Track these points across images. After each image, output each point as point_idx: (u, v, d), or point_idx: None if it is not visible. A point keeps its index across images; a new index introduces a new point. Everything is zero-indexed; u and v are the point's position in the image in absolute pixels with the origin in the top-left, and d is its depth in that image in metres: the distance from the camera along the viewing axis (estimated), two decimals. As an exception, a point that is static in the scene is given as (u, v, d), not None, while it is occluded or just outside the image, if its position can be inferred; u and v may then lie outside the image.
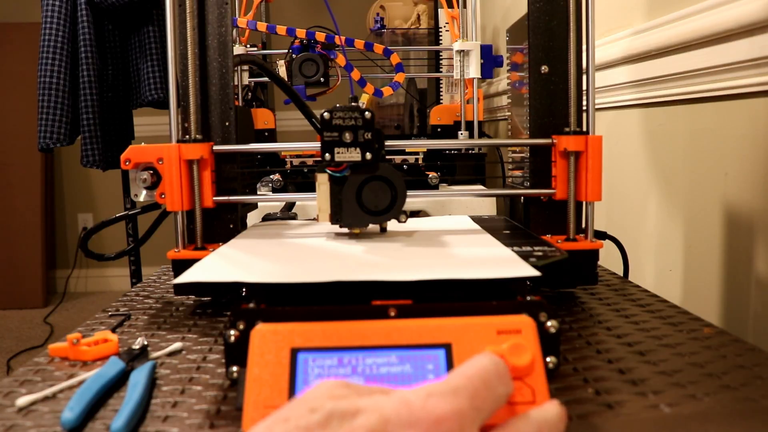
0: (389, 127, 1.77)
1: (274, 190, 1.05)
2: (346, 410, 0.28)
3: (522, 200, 0.70)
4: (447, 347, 0.37)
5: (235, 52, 0.95)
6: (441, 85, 1.62)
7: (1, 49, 3.01)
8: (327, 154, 0.58)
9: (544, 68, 0.66)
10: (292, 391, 0.36)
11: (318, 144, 0.59)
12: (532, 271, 0.45)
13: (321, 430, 0.27)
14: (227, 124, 0.67)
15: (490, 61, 1.34)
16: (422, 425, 0.27)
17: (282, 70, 1.08)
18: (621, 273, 0.74)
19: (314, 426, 0.27)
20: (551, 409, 0.32)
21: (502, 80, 1.82)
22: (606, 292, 0.65)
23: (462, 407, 0.28)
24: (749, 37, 0.68)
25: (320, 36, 1.08)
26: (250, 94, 1.53)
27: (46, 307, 2.98)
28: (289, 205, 0.87)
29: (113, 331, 0.56)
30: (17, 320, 2.79)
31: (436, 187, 1.09)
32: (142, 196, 0.65)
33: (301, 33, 1.08)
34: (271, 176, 1.06)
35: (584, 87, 0.64)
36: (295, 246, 0.59)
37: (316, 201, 0.60)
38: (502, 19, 1.95)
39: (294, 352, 0.37)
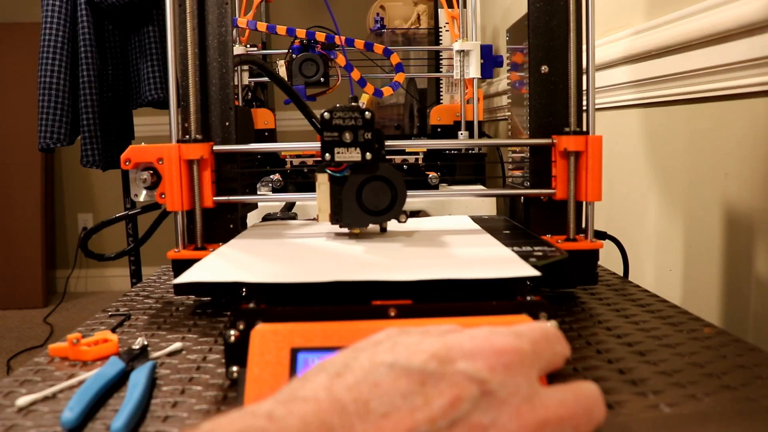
0: (389, 127, 1.77)
1: (274, 190, 1.05)
2: (411, 341, 0.29)
3: (522, 200, 0.70)
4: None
5: (235, 52, 0.95)
6: (441, 85, 1.62)
7: (1, 49, 3.01)
8: (327, 154, 0.58)
9: (544, 68, 0.66)
10: (292, 391, 0.36)
11: (318, 144, 0.59)
12: (532, 271, 0.45)
13: (387, 353, 0.28)
14: (227, 124, 0.67)
15: (490, 61, 1.34)
16: (484, 354, 0.28)
17: (282, 70, 1.08)
18: (621, 273, 0.74)
19: (381, 351, 0.28)
20: (591, 386, 0.31)
21: (502, 80, 1.82)
22: (606, 292, 0.65)
23: (523, 346, 0.29)
24: (749, 37, 0.68)
25: (320, 36, 1.08)
26: (250, 94, 1.53)
27: (46, 307, 2.98)
28: (289, 205, 0.87)
29: (113, 331, 0.56)
30: (17, 320, 2.79)
31: (436, 187, 1.09)
32: (142, 196, 0.65)
33: (301, 33, 1.08)
34: (271, 176, 1.06)
35: (584, 87, 0.64)
36: (295, 246, 0.59)
37: (316, 201, 0.60)
38: (502, 19, 1.95)
39: (294, 352, 0.37)
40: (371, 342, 0.30)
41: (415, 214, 1.12)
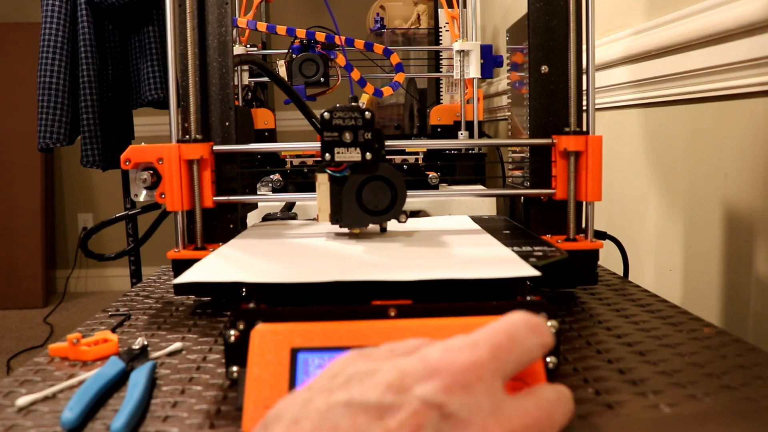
0: (389, 127, 1.77)
1: (274, 190, 1.05)
2: (365, 371, 0.28)
3: (522, 200, 0.70)
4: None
5: (235, 52, 0.95)
6: (441, 85, 1.62)
7: (1, 49, 3.01)
8: (327, 154, 0.58)
9: (544, 68, 0.66)
10: (292, 391, 0.36)
11: (318, 144, 0.59)
12: (532, 271, 0.45)
13: (342, 390, 0.28)
14: (227, 124, 0.67)
15: (490, 61, 1.34)
16: (440, 375, 0.27)
17: (282, 70, 1.08)
18: (621, 273, 0.74)
19: (335, 387, 0.28)
20: (566, 389, 0.31)
21: (502, 80, 1.82)
22: (606, 292, 0.65)
23: (481, 357, 0.28)
24: (749, 37, 0.68)
25: (320, 36, 1.08)
26: (250, 94, 1.53)
27: (46, 307, 2.97)
28: (289, 205, 0.87)
29: (113, 331, 0.56)
30: (17, 320, 2.79)
31: (436, 187, 1.09)
32: (142, 196, 0.65)
33: (301, 33, 1.08)
34: (271, 176, 1.06)
35: (584, 87, 0.64)
36: (295, 246, 0.59)
37: (316, 201, 0.60)
38: (502, 19, 1.95)
39: (294, 352, 0.37)
40: (327, 376, 0.29)
41: (415, 214, 1.12)
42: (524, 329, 0.30)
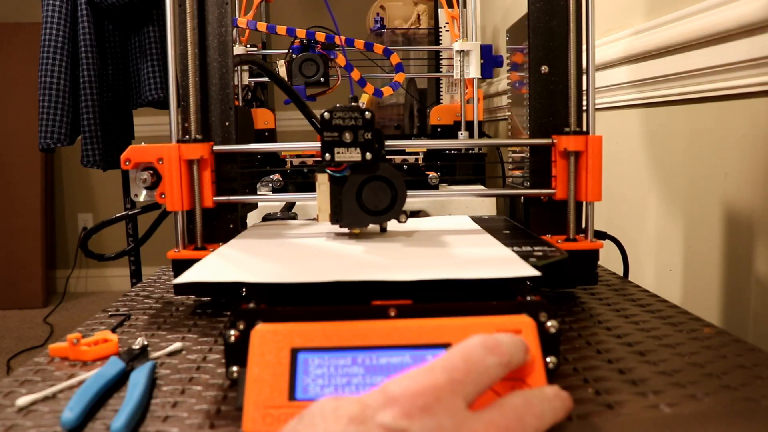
0: (389, 127, 1.77)
1: (274, 190, 1.05)
2: (330, 408, 0.29)
3: (522, 200, 0.70)
4: (447, 347, 0.37)
5: (235, 52, 0.95)
6: (441, 85, 1.62)
7: (1, 49, 3.01)
8: (327, 154, 0.58)
9: (544, 68, 0.66)
10: (292, 391, 0.36)
11: (318, 144, 0.59)
12: (532, 271, 0.45)
13: (307, 429, 0.28)
14: (227, 124, 0.67)
15: (490, 61, 1.34)
16: (399, 402, 0.28)
17: (282, 70, 1.08)
18: (621, 273, 0.74)
19: (302, 428, 0.29)
20: (547, 389, 0.32)
21: (502, 80, 1.82)
22: (606, 292, 0.65)
23: (437, 381, 0.29)
24: (749, 37, 0.68)
25: (320, 36, 1.08)
26: (250, 94, 1.53)
27: (46, 307, 2.98)
28: (289, 205, 0.87)
29: (113, 331, 0.56)
30: (17, 320, 2.79)
31: (436, 187, 1.09)
32: (142, 196, 0.65)
33: (301, 33, 1.08)
34: (271, 176, 1.06)
35: (584, 87, 0.64)
36: (295, 246, 0.59)
37: (316, 201, 0.60)
38: (502, 19, 1.95)
39: (294, 352, 0.37)
40: (295, 420, 0.30)
41: (415, 214, 1.12)
42: (481, 351, 0.31)
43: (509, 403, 0.31)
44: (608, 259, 0.77)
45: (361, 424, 0.27)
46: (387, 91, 1.16)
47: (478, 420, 0.29)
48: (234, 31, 1.33)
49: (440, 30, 1.63)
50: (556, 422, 0.33)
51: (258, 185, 1.08)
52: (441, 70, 1.64)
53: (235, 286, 0.45)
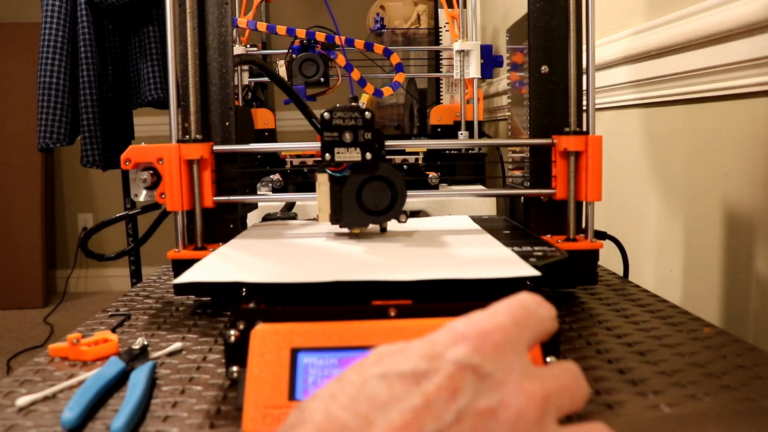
0: (389, 127, 1.77)
1: (274, 190, 1.05)
2: (397, 348, 0.29)
3: (522, 200, 0.70)
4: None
5: (235, 52, 0.95)
6: (441, 85, 1.62)
7: (1, 49, 3.01)
8: (327, 154, 0.58)
9: (544, 68, 0.66)
10: (292, 391, 0.36)
11: (318, 144, 0.59)
12: (532, 271, 0.45)
13: (375, 366, 0.28)
14: (227, 124, 0.67)
15: (490, 61, 1.34)
16: (470, 339, 0.28)
17: (282, 70, 1.08)
18: (621, 273, 0.74)
19: (369, 365, 0.28)
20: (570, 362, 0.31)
21: (502, 80, 1.82)
22: (606, 292, 0.65)
23: (504, 323, 0.29)
24: (749, 37, 0.68)
25: (320, 36, 1.08)
26: (250, 94, 1.53)
27: (46, 307, 2.97)
28: (289, 205, 0.87)
29: (113, 331, 0.56)
30: (17, 320, 2.79)
31: (436, 187, 1.09)
32: (142, 196, 0.65)
33: (301, 33, 1.08)
34: (271, 176, 1.06)
35: (584, 87, 0.64)
36: (295, 246, 0.59)
37: (316, 201, 0.60)
38: (502, 19, 1.95)
39: (294, 352, 0.37)
40: (360, 360, 0.30)
41: (415, 214, 1.12)
42: (533, 302, 0.31)
43: (567, 364, 0.30)
44: (608, 259, 0.77)
45: (432, 359, 0.27)
46: (387, 91, 1.16)
47: (544, 370, 0.29)
48: (234, 31, 1.33)
49: (440, 30, 1.63)
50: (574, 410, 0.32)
51: (258, 185, 1.08)
52: (441, 70, 1.64)
53: (235, 286, 0.45)
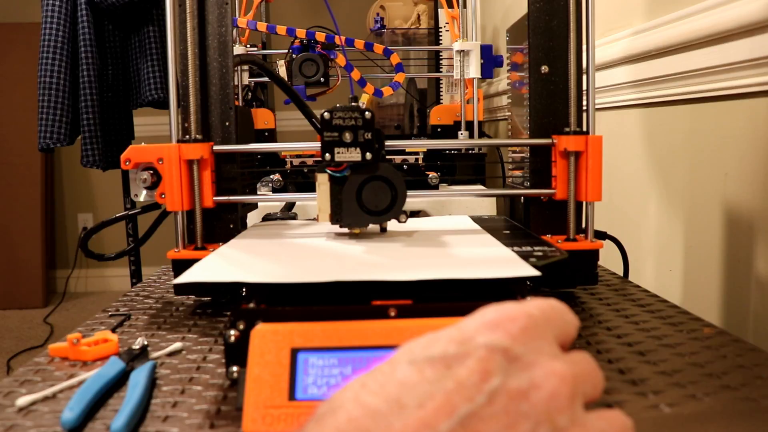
0: (389, 127, 1.77)
1: (274, 190, 1.04)
2: (424, 338, 0.29)
3: (522, 200, 0.70)
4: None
5: (235, 52, 0.95)
6: (441, 85, 1.62)
7: (1, 49, 3.01)
8: (327, 154, 0.58)
9: (544, 68, 0.66)
10: (292, 391, 0.36)
11: (318, 144, 0.59)
12: (532, 271, 0.45)
13: (404, 354, 0.28)
14: (227, 124, 0.67)
15: (490, 61, 1.34)
16: (499, 324, 0.28)
17: (282, 70, 1.08)
18: (621, 273, 0.74)
19: (398, 354, 0.28)
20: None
21: (502, 80, 1.82)
22: (606, 292, 0.65)
23: (534, 315, 0.29)
24: (749, 37, 0.68)
25: (320, 36, 1.08)
26: (250, 94, 1.53)
27: (46, 307, 2.97)
28: (289, 205, 0.87)
29: (113, 331, 0.56)
30: (17, 320, 2.79)
31: (436, 187, 1.09)
32: (142, 196, 0.65)
33: (301, 33, 1.08)
34: (271, 176, 1.06)
35: (584, 87, 0.64)
36: (295, 246, 0.59)
37: (316, 201, 0.60)
38: (502, 19, 1.95)
39: (294, 352, 0.37)
40: (387, 357, 0.30)
41: (415, 214, 1.12)
42: (561, 306, 0.31)
43: (583, 354, 0.30)
44: (608, 259, 0.77)
45: (462, 343, 0.27)
46: (387, 91, 1.16)
47: (568, 354, 0.29)
48: (234, 31, 1.33)
49: (440, 30, 1.63)
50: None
51: (258, 185, 1.08)
52: (441, 70, 1.64)
53: (235, 286, 0.45)
